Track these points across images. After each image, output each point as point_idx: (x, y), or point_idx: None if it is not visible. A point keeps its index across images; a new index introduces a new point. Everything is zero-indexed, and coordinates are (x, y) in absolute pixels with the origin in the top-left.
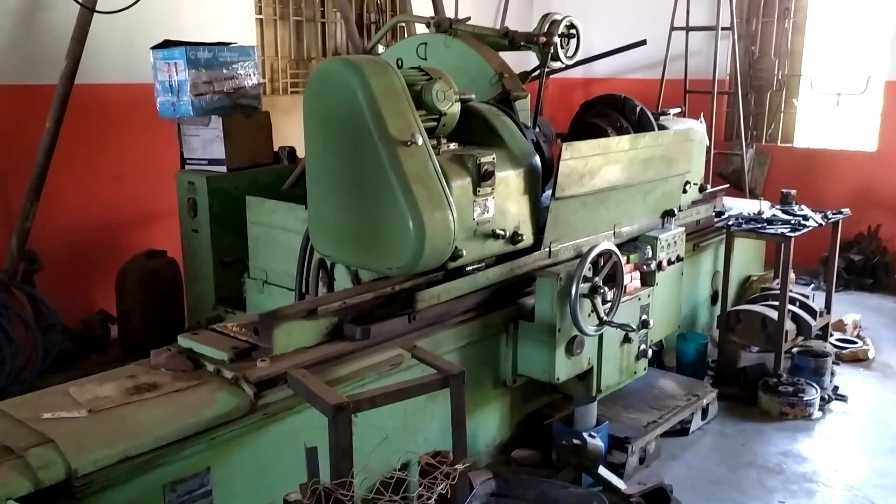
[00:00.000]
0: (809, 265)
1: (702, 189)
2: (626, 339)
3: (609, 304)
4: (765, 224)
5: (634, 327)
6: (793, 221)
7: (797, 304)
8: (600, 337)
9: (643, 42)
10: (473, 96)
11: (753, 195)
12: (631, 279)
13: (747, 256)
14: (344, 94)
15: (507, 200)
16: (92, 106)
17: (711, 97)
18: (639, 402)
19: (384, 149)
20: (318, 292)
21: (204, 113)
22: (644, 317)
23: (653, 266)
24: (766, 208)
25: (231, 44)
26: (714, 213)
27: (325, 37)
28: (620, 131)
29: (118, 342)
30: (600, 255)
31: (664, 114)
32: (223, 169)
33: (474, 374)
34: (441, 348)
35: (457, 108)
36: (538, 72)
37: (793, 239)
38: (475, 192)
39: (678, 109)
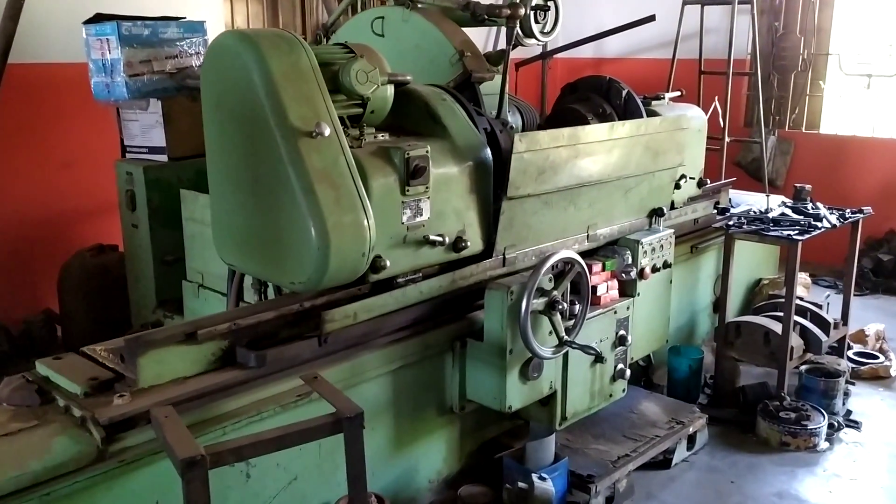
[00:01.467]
0: (835, 264)
1: (701, 184)
2: (599, 359)
3: (573, 321)
4: (770, 224)
5: (598, 351)
6: (803, 222)
7: (808, 314)
8: (565, 356)
9: (651, 18)
10: (410, 78)
11: (774, 187)
12: (607, 289)
13: (758, 257)
14: (238, 75)
15: (448, 201)
16: (39, 87)
17: (726, 78)
18: (613, 430)
19: (282, 140)
20: (238, 303)
21: (141, 95)
22: (621, 332)
23: (633, 274)
24: (776, 205)
25: (179, 19)
26: (717, 211)
27: (305, 13)
28: (603, 118)
29: (62, 345)
30: (560, 263)
31: (657, 98)
32: (164, 158)
33: (412, 401)
34: (365, 374)
35: (386, 91)
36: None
37: (800, 243)
38: (403, 192)
39: (676, 93)
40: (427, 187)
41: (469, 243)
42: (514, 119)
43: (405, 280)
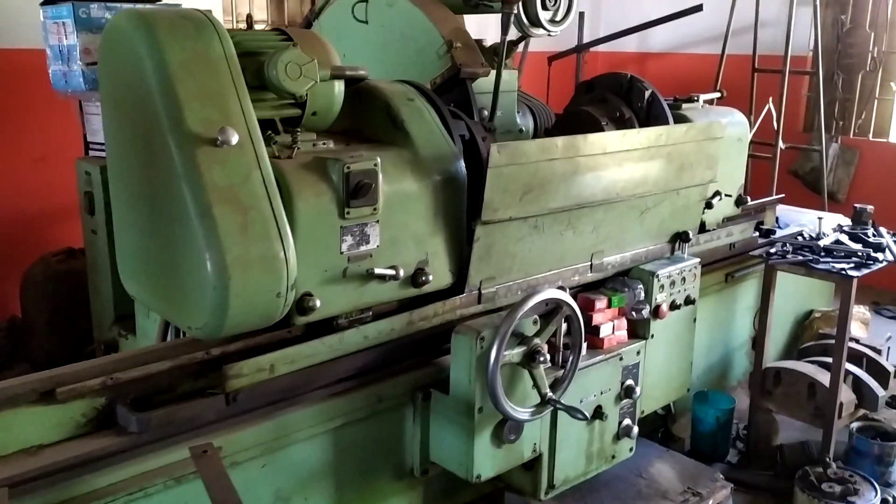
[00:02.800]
0: None
1: (740, 202)
2: (598, 414)
3: (561, 373)
4: (821, 254)
5: (585, 415)
6: (861, 252)
7: (864, 361)
8: (554, 411)
9: (699, 8)
10: (364, 73)
11: (834, 201)
12: (613, 330)
13: (809, 285)
14: (131, 65)
15: (405, 225)
16: (8, 75)
17: (782, 77)
18: (613, 499)
19: (177, 149)
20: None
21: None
22: (628, 382)
23: (645, 313)
24: (830, 229)
25: (155, 1)
26: (760, 233)
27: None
28: (620, 123)
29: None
30: (545, 304)
31: (690, 100)
32: None
33: (360, 464)
34: (294, 434)
35: (332, 89)
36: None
37: (855, 280)
38: (343, 214)
39: (715, 94)
40: (375, 209)
41: (431, 277)
42: (524, 121)
43: (349, 321)
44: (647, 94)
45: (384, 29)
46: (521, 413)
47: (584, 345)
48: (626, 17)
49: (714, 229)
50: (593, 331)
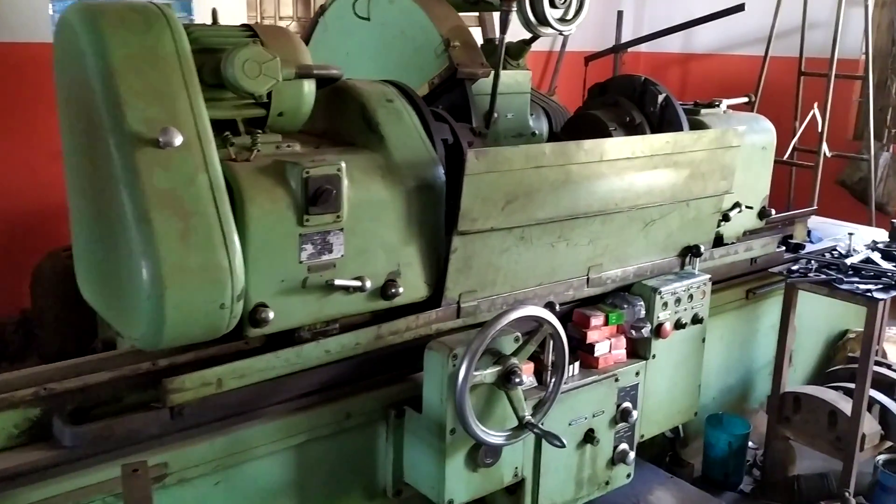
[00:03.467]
0: None
1: (764, 214)
2: (589, 438)
3: (545, 395)
4: (849, 272)
5: (562, 443)
6: (891, 272)
7: (894, 389)
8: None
9: (740, 7)
10: (337, 72)
11: (884, 213)
12: (610, 348)
13: (844, 303)
14: (78, 60)
15: (375, 233)
16: (25, 68)
17: (827, 81)
18: None
19: (116, 150)
20: None
21: None
22: (625, 405)
23: (646, 331)
24: (863, 246)
25: None
26: (788, 247)
27: None
28: (630, 129)
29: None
30: (527, 322)
31: (711, 105)
32: None
33: (327, 483)
34: (251, 451)
35: (300, 89)
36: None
37: (883, 303)
38: (302, 222)
39: (741, 99)
40: (339, 216)
41: (402, 289)
42: (537, 124)
43: (313, 334)
44: (661, 98)
45: (385, 26)
46: (494, 437)
47: (575, 365)
48: (670, 16)
49: (732, 243)
50: (588, 349)
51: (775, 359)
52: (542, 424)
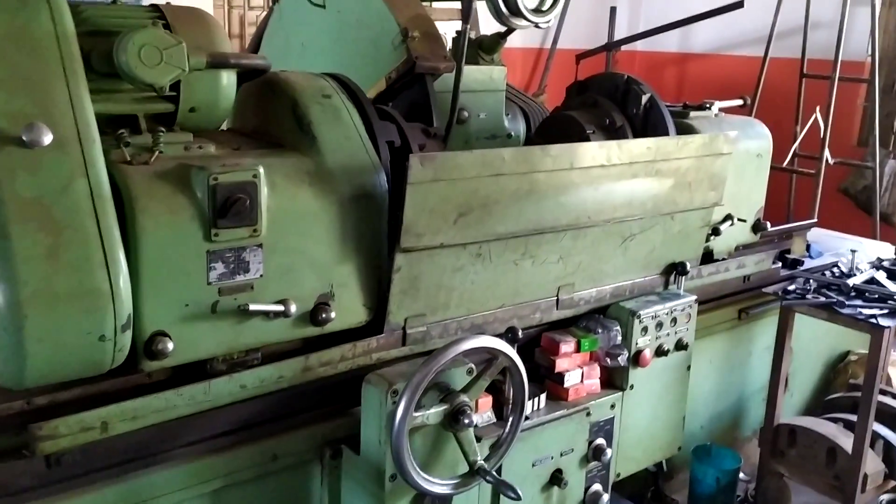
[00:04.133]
0: None
1: (758, 227)
2: (556, 480)
3: (501, 437)
4: (851, 295)
5: (519, 494)
6: None
7: None
8: (499, 470)
9: (739, 4)
10: (262, 62)
11: (888, 223)
12: (581, 378)
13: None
14: None
15: (302, 250)
16: None
17: (830, 84)
18: None
19: None
20: None
21: None
22: (598, 441)
23: (622, 359)
24: (866, 265)
25: None
26: (784, 263)
27: None
28: (610, 132)
29: None
30: (481, 353)
31: (701, 107)
32: None
33: None
34: (155, 500)
35: (217, 81)
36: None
37: (889, 330)
38: (210, 236)
39: (735, 102)
40: (256, 230)
41: (334, 314)
42: (513, 125)
43: (230, 366)
44: (645, 98)
45: (340, 14)
46: (438, 486)
47: (541, 397)
48: (666, 13)
49: (723, 259)
50: (557, 378)
51: (769, 387)
52: (497, 469)
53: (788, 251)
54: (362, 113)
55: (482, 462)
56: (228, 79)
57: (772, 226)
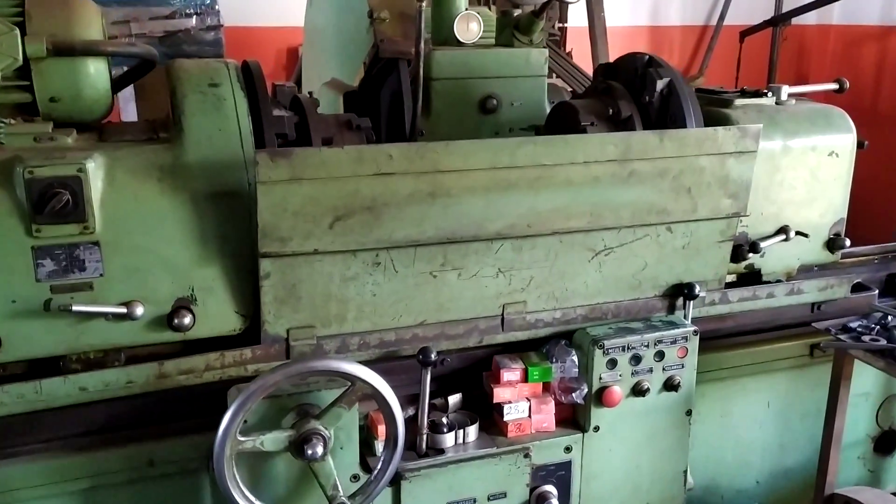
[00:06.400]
0: None
1: (834, 245)
2: None
3: (370, 476)
4: None
5: None
6: None
7: None
8: None
9: None
10: (134, 49)
11: None
12: (528, 412)
13: None
14: None
15: (152, 250)
16: None
17: None
18: None
19: None
20: None
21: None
22: (544, 488)
23: (577, 395)
24: None
25: None
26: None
27: None
28: (615, 124)
29: None
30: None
31: (757, 94)
32: None
33: None
34: (16, 492)
35: (72, 69)
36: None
37: None
38: (31, 231)
39: (829, 86)
40: (87, 227)
41: (189, 319)
42: None
43: (84, 366)
44: (661, 84)
45: None
46: None
47: (470, 428)
48: None
49: (771, 282)
50: (496, 409)
51: (821, 448)
52: None
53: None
54: (253, 104)
55: (343, 498)
56: (96, 68)
57: (859, 244)
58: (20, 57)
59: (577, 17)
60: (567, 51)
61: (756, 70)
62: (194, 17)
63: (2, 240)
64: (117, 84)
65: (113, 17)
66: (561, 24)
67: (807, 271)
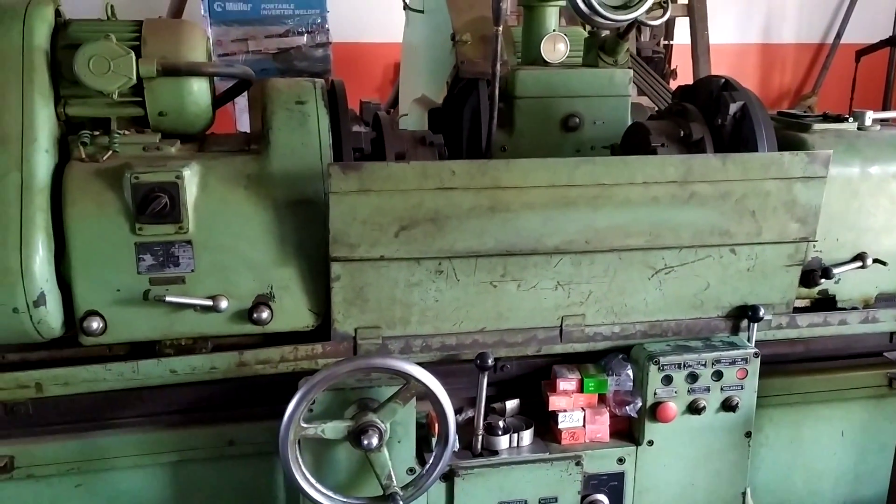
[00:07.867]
0: None
1: None
2: None
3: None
4: None
5: None
6: None
7: None
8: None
9: None
10: (239, 70)
11: None
12: (584, 422)
13: None
14: None
15: (236, 250)
16: None
17: None
18: None
19: None
20: None
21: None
22: (596, 497)
23: (631, 409)
24: None
25: None
26: None
27: None
28: (686, 146)
29: None
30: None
31: (839, 119)
32: None
33: None
34: (113, 460)
35: (177, 87)
36: None
37: None
38: (135, 229)
39: (891, 113)
40: (181, 227)
41: (267, 314)
42: None
43: (176, 350)
44: (735, 107)
45: (431, 19)
46: (332, 501)
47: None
48: None
49: (849, 309)
50: (552, 417)
51: (890, 481)
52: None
53: None
54: (334, 120)
55: (397, 488)
56: (199, 86)
57: None
58: (134, 76)
59: (683, 34)
60: (672, 68)
61: (873, 90)
62: (305, 35)
63: (111, 236)
64: (219, 101)
65: (233, 35)
66: (666, 42)
67: (887, 300)
